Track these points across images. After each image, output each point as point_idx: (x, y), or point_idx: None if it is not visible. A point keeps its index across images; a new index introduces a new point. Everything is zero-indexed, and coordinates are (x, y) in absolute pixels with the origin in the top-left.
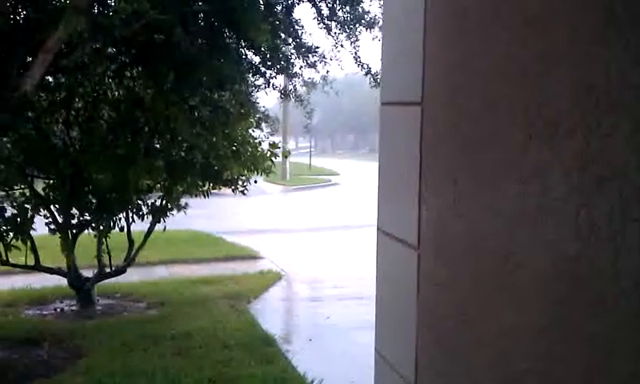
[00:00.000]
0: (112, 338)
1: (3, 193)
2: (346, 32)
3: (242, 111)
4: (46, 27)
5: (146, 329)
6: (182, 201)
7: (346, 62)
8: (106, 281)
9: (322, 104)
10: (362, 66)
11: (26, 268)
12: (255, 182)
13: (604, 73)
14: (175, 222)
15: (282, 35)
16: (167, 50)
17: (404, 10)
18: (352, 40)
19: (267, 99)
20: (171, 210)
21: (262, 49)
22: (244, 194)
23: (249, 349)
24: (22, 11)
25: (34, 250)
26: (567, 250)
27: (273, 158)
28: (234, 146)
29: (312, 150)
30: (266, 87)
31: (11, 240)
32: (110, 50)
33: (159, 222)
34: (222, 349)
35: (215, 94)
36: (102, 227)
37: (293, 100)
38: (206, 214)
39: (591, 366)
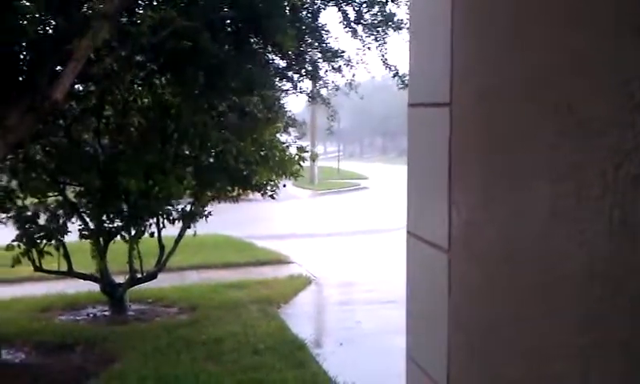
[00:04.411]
0: (144, 343)
1: (36, 200)
2: (373, 35)
3: (270, 116)
4: (75, 35)
5: (178, 334)
6: (206, 208)
7: (373, 66)
8: (138, 286)
9: (350, 108)
10: (389, 67)
11: (60, 274)
12: (284, 186)
13: (638, 69)
14: (205, 227)
15: (308, 40)
16: (195, 57)
17: (431, 10)
18: (379, 43)
19: (295, 104)
20: (200, 216)
21: (289, 53)
22: (273, 198)
23: (279, 353)
24: (52, 20)
25: (66, 256)
26: (602, 250)
27: (301, 162)
28: (262, 151)
29: (340, 154)
30: (293, 92)
31: (44, 246)
32: (138, 57)
33: (189, 227)
34: (252, 353)
35: (243, 99)
36: (132, 233)
37: (320, 104)
38: (236, 218)
39: (628, 369)
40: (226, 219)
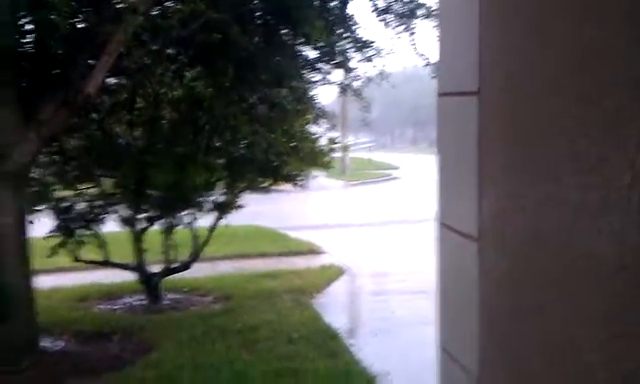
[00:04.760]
0: (180, 332)
1: (71, 192)
2: (404, 24)
3: (300, 108)
4: (106, 30)
5: (213, 323)
6: (237, 200)
7: (404, 56)
8: (172, 276)
9: (380, 99)
10: (421, 57)
11: (97, 264)
12: (316, 177)
13: None
14: (239, 217)
15: (338, 30)
16: (225, 49)
17: (459, 0)
18: (410, 32)
19: (326, 95)
20: (234, 207)
21: (319, 44)
22: (305, 188)
23: (313, 343)
24: (84, 15)
25: (102, 246)
26: (631, 240)
27: (331, 154)
28: (293, 143)
29: (371, 144)
30: (323, 83)
31: (81, 237)
32: (169, 50)
33: (222, 217)
34: (286, 343)
35: (273, 91)
36: (167, 224)
37: (351, 95)
38: (269, 209)
39: None
40: (257, 210)
